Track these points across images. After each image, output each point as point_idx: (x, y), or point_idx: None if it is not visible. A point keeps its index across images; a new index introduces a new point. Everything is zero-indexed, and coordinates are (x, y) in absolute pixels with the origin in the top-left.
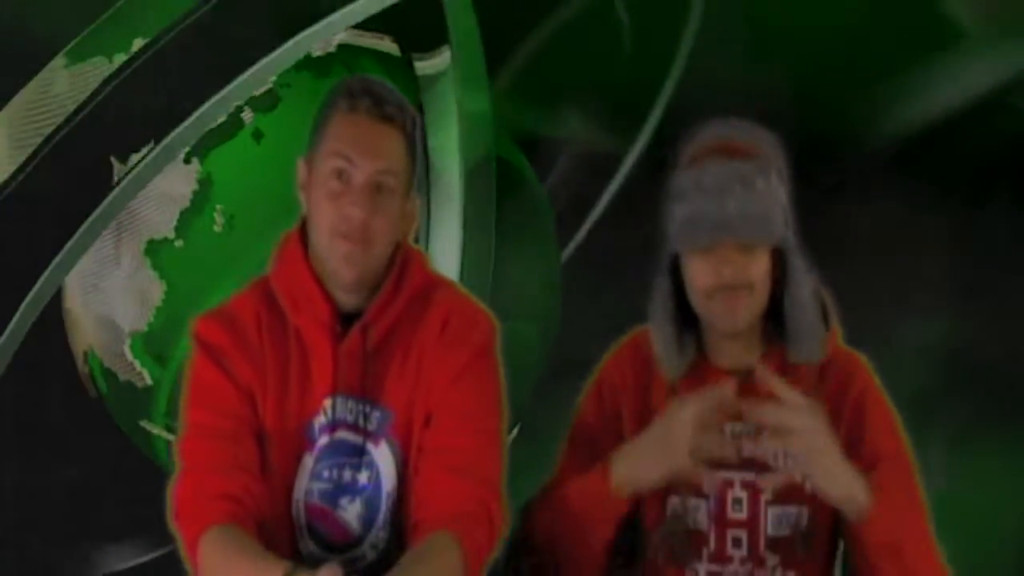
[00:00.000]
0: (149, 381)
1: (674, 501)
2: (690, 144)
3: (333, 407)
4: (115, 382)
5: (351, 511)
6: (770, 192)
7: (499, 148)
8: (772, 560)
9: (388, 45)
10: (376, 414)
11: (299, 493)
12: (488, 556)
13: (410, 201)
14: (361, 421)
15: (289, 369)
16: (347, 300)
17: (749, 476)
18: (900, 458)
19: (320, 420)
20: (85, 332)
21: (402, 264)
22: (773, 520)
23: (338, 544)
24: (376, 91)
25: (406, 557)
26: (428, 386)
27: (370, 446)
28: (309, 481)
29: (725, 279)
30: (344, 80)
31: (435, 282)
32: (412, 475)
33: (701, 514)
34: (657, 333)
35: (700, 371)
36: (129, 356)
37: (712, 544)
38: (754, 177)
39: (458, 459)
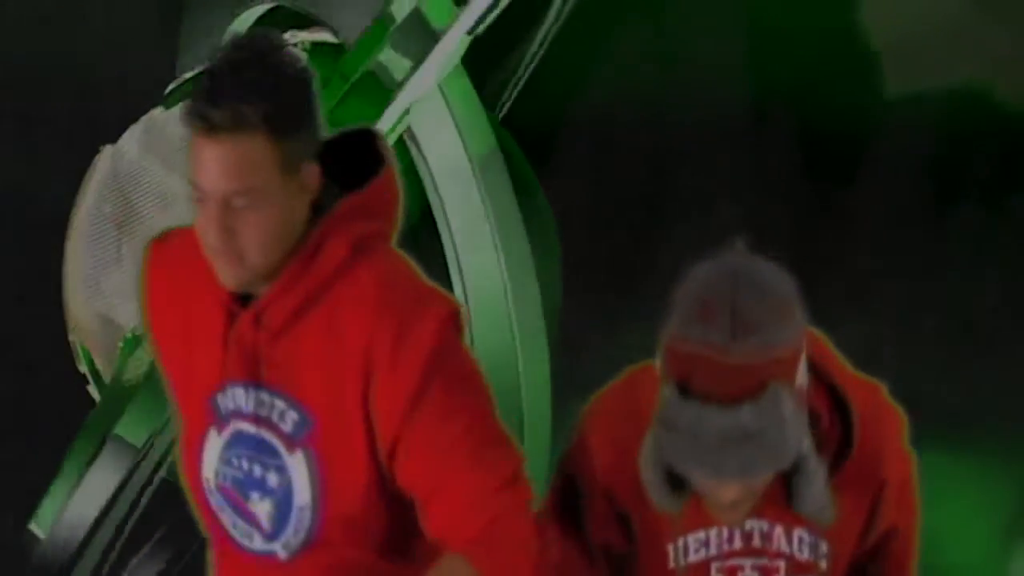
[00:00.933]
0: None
1: None
2: (682, 314)
3: (233, 395)
4: (102, 382)
5: (261, 508)
6: (783, 428)
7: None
8: None
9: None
10: (293, 415)
11: (209, 471)
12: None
13: (297, 177)
14: (275, 417)
15: (194, 327)
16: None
17: (761, 561)
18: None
19: (226, 402)
20: (83, 331)
21: (315, 245)
22: None
23: (252, 527)
24: (199, 109)
25: None
26: (377, 407)
27: (283, 450)
28: (220, 463)
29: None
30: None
31: (367, 266)
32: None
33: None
34: (647, 478)
35: (696, 513)
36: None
37: None
38: (765, 424)
39: (451, 489)
